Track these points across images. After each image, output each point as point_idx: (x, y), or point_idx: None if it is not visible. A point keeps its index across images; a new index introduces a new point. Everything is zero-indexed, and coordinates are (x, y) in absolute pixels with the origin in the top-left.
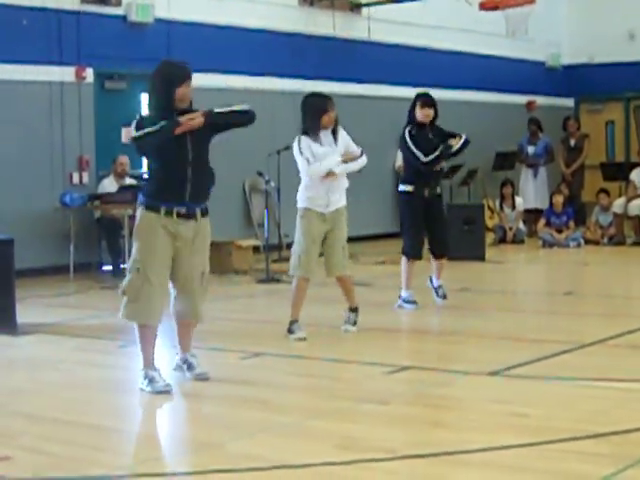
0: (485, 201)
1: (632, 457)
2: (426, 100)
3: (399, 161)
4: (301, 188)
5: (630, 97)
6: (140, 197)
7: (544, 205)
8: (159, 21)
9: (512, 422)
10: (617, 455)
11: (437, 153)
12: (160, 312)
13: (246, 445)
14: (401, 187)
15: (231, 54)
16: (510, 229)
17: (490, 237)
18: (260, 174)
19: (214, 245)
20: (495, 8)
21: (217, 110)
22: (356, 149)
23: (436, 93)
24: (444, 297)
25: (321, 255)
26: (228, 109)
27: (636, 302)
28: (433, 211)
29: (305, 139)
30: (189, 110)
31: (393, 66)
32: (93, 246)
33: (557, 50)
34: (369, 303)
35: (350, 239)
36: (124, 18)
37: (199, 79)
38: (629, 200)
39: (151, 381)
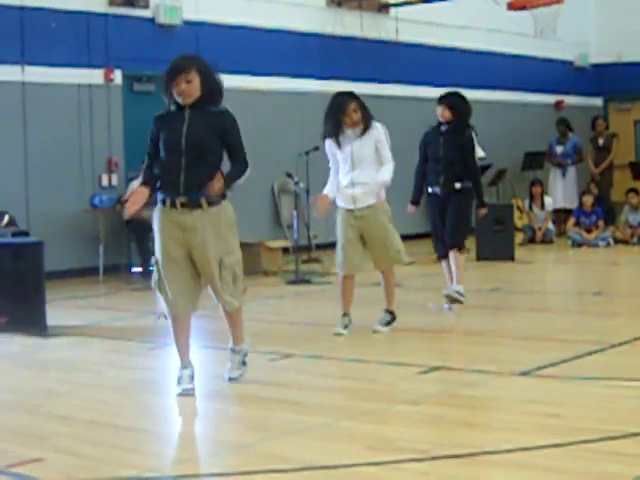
0: (514, 201)
1: None
2: (441, 99)
3: None
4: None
5: None
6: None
7: (573, 205)
8: (187, 23)
9: (544, 422)
10: None
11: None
12: (182, 304)
13: (277, 446)
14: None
15: (259, 55)
16: (539, 229)
17: (519, 237)
18: (289, 175)
19: (244, 246)
20: (523, 8)
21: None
22: (383, 156)
23: (465, 93)
24: (450, 306)
25: None
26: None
27: None
28: (448, 207)
29: (327, 142)
30: (204, 103)
31: (421, 66)
32: (122, 248)
33: (585, 49)
34: (399, 303)
35: None
36: (152, 20)
37: (227, 80)
38: None
39: (178, 381)
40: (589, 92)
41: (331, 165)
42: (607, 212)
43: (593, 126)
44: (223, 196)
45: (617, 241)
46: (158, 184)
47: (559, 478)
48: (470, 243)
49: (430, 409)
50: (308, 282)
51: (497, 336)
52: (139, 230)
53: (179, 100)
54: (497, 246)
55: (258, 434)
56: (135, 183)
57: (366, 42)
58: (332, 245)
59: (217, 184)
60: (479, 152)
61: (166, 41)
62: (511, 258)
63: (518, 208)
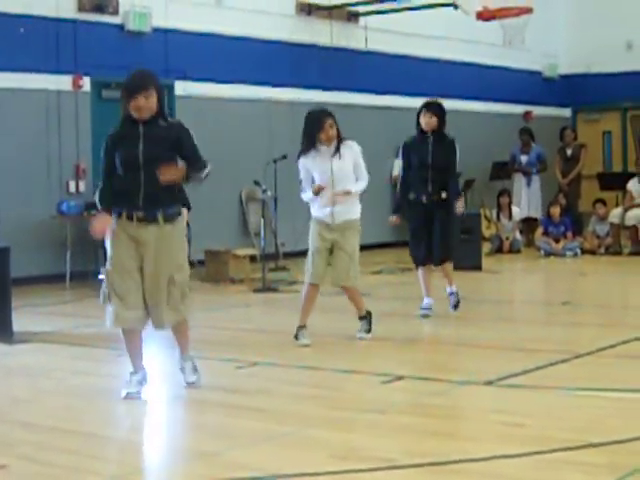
0: (482, 211)
1: (628, 466)
2: (428, 106)
3: (396, 170)
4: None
5: (627, 107)
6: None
7: (537, 214)
8: (156, 30)
9: (508, 432)
10: (613, 465)
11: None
12: (132, 316)
13: (242, 455)
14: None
15: (228, 63)
16: (507, 239)
17: (487, 247)
18: (257, 183)
19: (211, 254)
20: (492, 18)
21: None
22: (361, 173)
23: None
24: (455, 306)
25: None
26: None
27: (632, 312)
28: (434, 217)
29: (302, 159)
30: (157, 118)
31: (390, 76)
32: (90, 254)
33: (554, 60)
34: None
35: None
36: (121, 27)
37: (196, 88)
38: (626, 210)
39: (124, 385)
40: (558, 103)
41: (304, 184)
42: (574, 222)
43: (561, 136)
44: (179, 213)
45: (584, 251)
46: (113, 199)
47: None
48: None
49: (395, 418)
50: (275, 290)
51: (463, 345)
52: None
53: (135, 115)
54: (464, 256)
55: (223, 442)
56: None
57: (335, 51)
58: (300, 253)
59: (172, 169)
60: None
61: (135, 48)
62: (478, 268)
63: (486, 218)
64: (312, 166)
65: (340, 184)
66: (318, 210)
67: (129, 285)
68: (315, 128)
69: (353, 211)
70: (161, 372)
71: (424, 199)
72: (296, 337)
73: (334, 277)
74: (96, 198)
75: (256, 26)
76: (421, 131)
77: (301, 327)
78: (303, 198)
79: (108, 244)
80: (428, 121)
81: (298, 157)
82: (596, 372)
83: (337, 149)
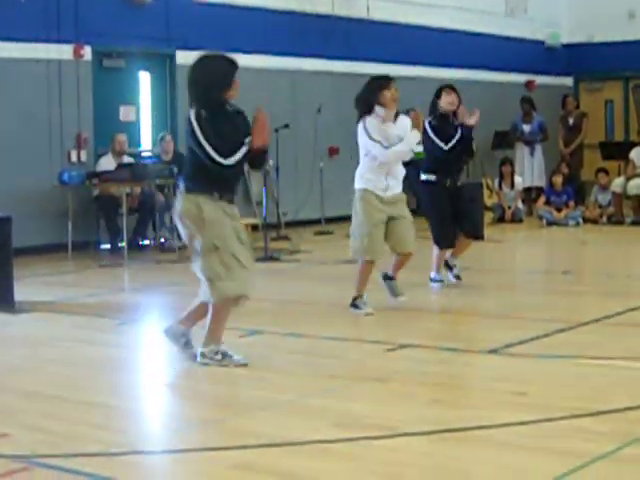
0: (484, 180)
1: (631, 434)
2: (451, 87)
3: None
4: (360, 170)
5: (629, 76)
6: None
7: (541, 183)
8: None
9: (511, 400)
10: (616, 433)
11: (457, 137)
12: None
13: (245, 423)
14: (423, 176)
15: (229, 32)
16: (509, 208)
17: (489, 216)
18: None
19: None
20: None
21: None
22: (412, 140)
23: (435, 72)
24: (458, 277)
25: None
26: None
27: (634, 281)
28: (458, 200)
29: (371, 119)
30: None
31: (392, 45)
32: (91, 224)
33: (556, 29)
34: (370, 282)
35: (349, 217)
36: None
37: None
38: (628, 179)
39: (224, 355)
40: (560, 72)
41: (384, 143)
42: (577, 192)
43: (563, 105)
44: None
45: (586, 220)
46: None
47: (526, 455)
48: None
49: (398, 386)
50: (277, 259)
51: (466, 314)
52: (108, 207)
53: (231, 98)
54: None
55: (226, 410)
56: (104, 159)
57: (337, 20)
58: (301, 223)
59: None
60: None
61: (136, 17)
62: (481, 237)
63: (488, 187)
64: (378, 130)
65: None
66: (381, 181)
67: (246, 255)
68: (381, 88)
69: (400, 185)
70: (166, 343)
71: (448, 183)
72: (355, 306)
73: (399, 244)
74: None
75: None
76: (441, 115)
77: (360, 296)
78: (385, 156)
79: (213, 223)
80: (453, 100)
81: (360, 119)
82: (600, 341)
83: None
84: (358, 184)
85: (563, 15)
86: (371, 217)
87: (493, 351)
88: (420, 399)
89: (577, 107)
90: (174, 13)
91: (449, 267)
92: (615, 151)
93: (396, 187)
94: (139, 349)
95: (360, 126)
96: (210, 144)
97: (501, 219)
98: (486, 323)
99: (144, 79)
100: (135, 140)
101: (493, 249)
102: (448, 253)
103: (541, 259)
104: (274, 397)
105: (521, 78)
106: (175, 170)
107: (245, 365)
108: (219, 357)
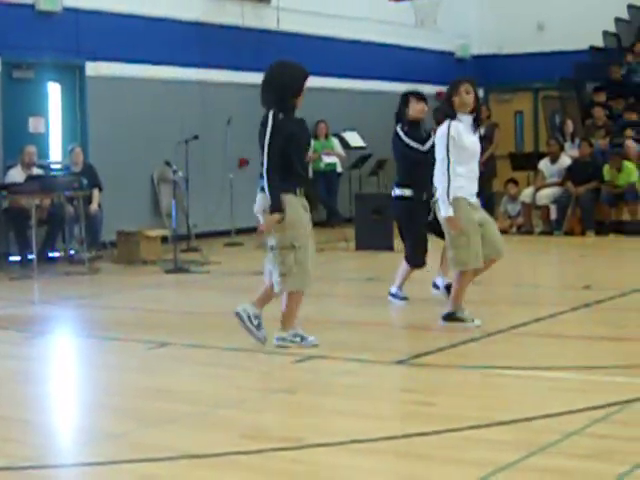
0: None
1: (536, 444)
2: (420, 95)
3: (310, 152)
4: (446, 178)
5: (539, 87)
6: None
7: None
8: (67, 10)
9: (418, 410)
10: (522, 442)
11: (432, 140)
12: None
13: (152, 435)
14: (397, 191)
15: (139, 43)
16: None
17: None
18: (168, 164)
19: (123, 235)
20: None
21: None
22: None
23: (346, 83)
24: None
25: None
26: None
27: (542, 291)
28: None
29: (455, 124)
30: None
31: (302, 56)
32: (0, 237)
33: (466, 41)
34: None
35: (250, 230)
36: (32, 7)
37: (106, 69)
38: (537, 190)
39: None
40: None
41: (453, 156)
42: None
43: None
44: None
45: None
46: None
47: (433, 465)
48: (349, 233)
49: (305, 397)
50: (187, 271)
51: (374, 325)
52: (17, 219)
53: (297, 106)
54: (376, 236)
55: (134, 423)
56: (13, 171)
57: (246, 31)
58: (211, 234)
59: None
60: (359, 141)
61: (46, 28)
62: (390, 248)
63: None
64: (462, 133)
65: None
66: (469, 187)
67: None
68: (451, 94)
69: None
70: (74, 353)
71: (424, 196)
72: (461, 319)
73: (494, 250)
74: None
75: (167, 6)
76: (410, 122)
77: (458, 310)
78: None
79: (293, 225)
80: (423, 108)
81: (445, 119)
82: (507, 350)
83: (475, 120)
84: (449, 194)
85: (473, 27)
86: (472, 222)
87: (401, 362)
88: (326, 410)
89: (489, 117)
90: (84, 25)
91: (447, 289)
92: (524, 162)
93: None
94: (49, 362)
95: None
96: (269, 149)
97: None
98: (394, 333)
99: (54, 90)
100: (44, 152)
101: (402, 260)
102: (439, 278)
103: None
104: (182, 409)
105: (431, 89)
106: (85, 182)
107: (316, 346)
108: (298, 339)
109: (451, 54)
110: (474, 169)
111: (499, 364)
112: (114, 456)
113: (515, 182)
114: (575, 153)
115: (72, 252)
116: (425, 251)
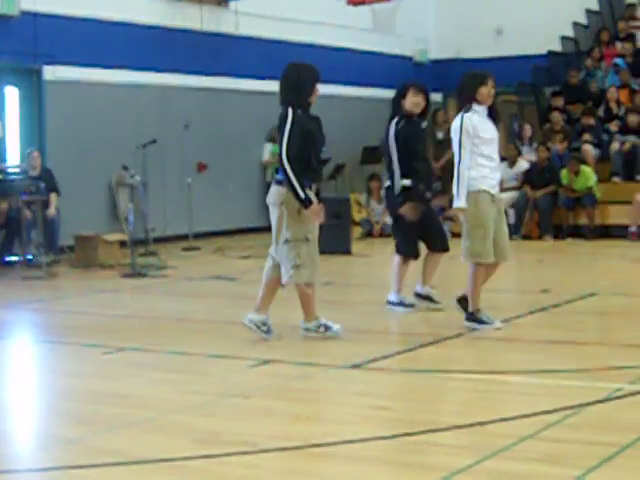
0: (352, 195)
1: (490, 448)
2: (419, 86)
3: (266, 155)
4: (466, 169)
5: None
6: None
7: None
8: (25, 13)
9: (373, 415)
10: (476, 446)
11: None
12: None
13: (106, 440)
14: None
15: (97, 47)
16: (377, 223)
17: (357, 231)
18: (125, 168)
19: (81, 239)
20: (362, 3)
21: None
22: None
23: None
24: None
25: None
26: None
27: (500, 295)
28: (427, 208)
29: (469, 116)
30: None
31: (261, 60)
32: None
33: (425, 45)
34: (234, 296)
35: (217, 233)
36: None
37: (65, 72)
38: None
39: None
40: (428, 88)
41: (469, 147)
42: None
43: (433, 119)
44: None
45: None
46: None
47: (388, 470)
48: None
49: (260, 402)
50: (144, 275)
51: None
52: None
53: (312, 102)
54: (334, 240)
55: (87, 428)
56: None
57: (205, 35)
58: (169, 239)
59: None
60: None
61: (3, 32)
62: (348, 252)
63: (357, 202)
64: (478, 126)
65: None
66: (490, 177)
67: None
68: (478, 83)
69: None
70: (30, 357)
71: (421, 188)
72: (481, 321)
73: (500, 254)
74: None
75: (126, 10)
76: (406, 115)
77: (479, 309)
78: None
79: (308, 217)
80: (420, 102)
81: (464, 114)
82: (462, 355)
83: (491, 113)
84: (470, 185)
85: (431, 31)
86: (487, 218)
87: (356, 366)
88: (281, 415)
89: (446, 121)
90: (41, 28)
91: (422, 297)
92: None
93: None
94: (4, 367)
95: (457, 123)
96: (287, 142)
97: (369, 234)
98: (351, 338)
99: (11, 94)
100: (1, 156)
101: (361, 264)
102: (419, 286)
103: (408, 274)
104: (136, 414)
105: (390, 94)
106: (42, 186)
107: (340, 334)
108: (322, 329)
109: (409, 59)
110: (495, 158)
111: (455, 368)
112: (69, 461)
113: None
114: (533, 157)
115: (30, 256)
116: (416, 242)
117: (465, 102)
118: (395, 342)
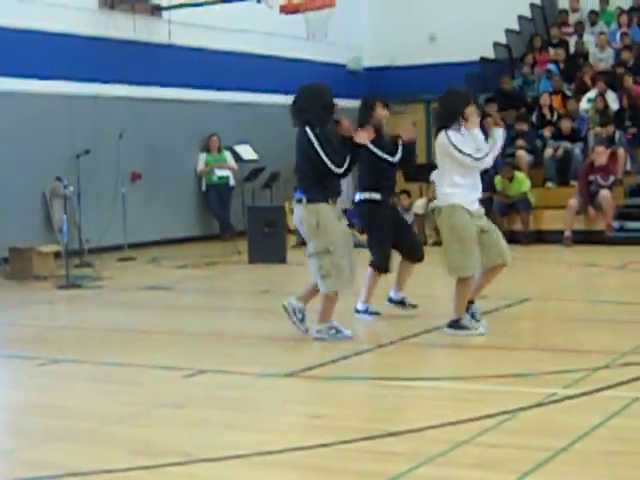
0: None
1: (426, 454)
2: (386, 101)
3: (201, 165)
4: (448, 184)
5: (431, 99)
6: None
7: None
8: None
9: (308, 423)
10: (412, 452)
11: (400, 150)
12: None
13: (39, 452)
14: (364, 195)
15: (29, 58)
16: None
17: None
18: (59, 179)
19: (15, 251)
20: (295, 11)
21: None
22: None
23: (238, 96)
24: (414, 305)
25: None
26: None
27: (435, 301)
28: (399, 218)
29: (452, 133)
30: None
31: (194, 70)
32: None
33: (358, 53)
34: (169, 306)
35: (152, 243)
36: None
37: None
38: (430, 200)
39: (337, 330)
40: (362, 95)
41: (473, 152)
42: None
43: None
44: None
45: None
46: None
47: (323, 478)
48: (242, 246)
49: (195, 412)
50: (79, 286)
51: (264, 338)
52: None
53: (329, 120)
54: (269, 248)
55: (22, 440)
56: None
57: (138, 45)
58: (105, 249)
59: None
60: (252, 154)
61: None
62: (283, 260)
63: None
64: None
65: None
66: (468, 195)
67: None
68: (464, 104)
69: None
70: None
71: (391, 201)
72: (464, 327)
73: (498, 255)
74: None
75: (57, 20)
76: (375, 128)
77: (461, 318)
78: (481, 164)
79: (330, 226)
80: (387, 115)
81: (441, 131)
82: (397, 362)
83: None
84: (446, 200)
85: (364, 39)
86: (469, 231)
87: (290, 374)
88: (216, 424)
89: None
90: None
91: (401, 302)
92: (417, 173)
93: (477, 200)
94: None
95: (444, 140)
96: (328, 157)
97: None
98: (286, 346)
99: None
100: None
101: (296, 273)
102: (393, 291)
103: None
104: (70, 426)
105: None
106: None
107: (351, 338)
108: (333, 332)
109: (343, 66)
110: (474, 178)
111: (390, 375)
112: (4, 474)
113: (408, 193)
114: None
115: None
116: (390, 256)
117: (452, 120)
118: (329, 350)
